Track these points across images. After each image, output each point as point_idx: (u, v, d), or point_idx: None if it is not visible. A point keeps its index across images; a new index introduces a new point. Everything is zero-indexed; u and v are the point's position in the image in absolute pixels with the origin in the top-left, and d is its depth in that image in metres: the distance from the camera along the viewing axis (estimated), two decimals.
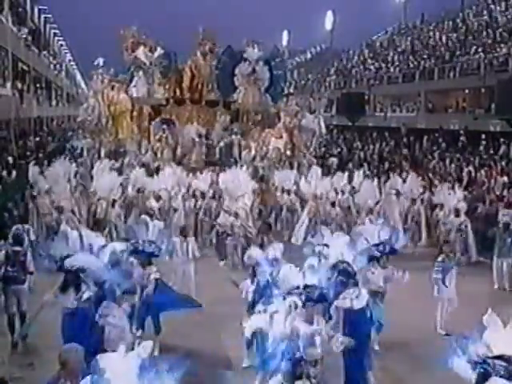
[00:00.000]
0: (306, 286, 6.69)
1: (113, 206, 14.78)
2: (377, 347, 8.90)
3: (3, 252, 9.53)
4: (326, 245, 8.95)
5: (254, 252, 8.98)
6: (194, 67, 23.67)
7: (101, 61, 23.87)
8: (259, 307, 7.31)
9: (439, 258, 10.13)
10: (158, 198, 15.17)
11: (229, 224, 13.90)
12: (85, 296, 7.51)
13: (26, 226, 11.80)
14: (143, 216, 12.55)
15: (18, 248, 9.55)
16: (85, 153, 22.45)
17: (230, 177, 15.53)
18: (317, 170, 18.15)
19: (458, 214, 14.25)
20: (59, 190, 14.98)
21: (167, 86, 23.76)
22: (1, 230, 12.00)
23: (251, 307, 8.15)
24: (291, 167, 19.78)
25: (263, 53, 23.61)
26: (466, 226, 14.27)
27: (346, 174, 17.95)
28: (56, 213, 14.04)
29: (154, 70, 23.28)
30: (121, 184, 15.68)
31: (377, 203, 15.45)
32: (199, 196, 15.87)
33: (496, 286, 12.73)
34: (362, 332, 7.62)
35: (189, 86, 23.54)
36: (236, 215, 13.95)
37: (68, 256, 7.67)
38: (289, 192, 16.64)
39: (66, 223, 12.62)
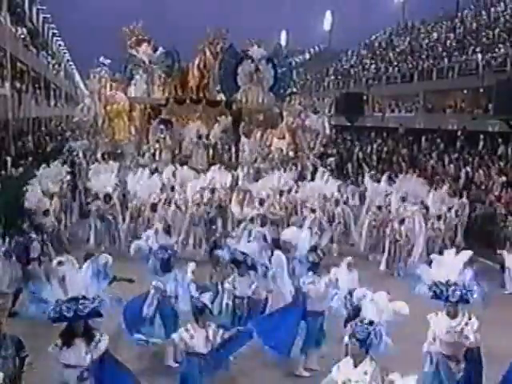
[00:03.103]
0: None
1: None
2: None
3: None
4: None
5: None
6: (203, 67, 23.42)
7: (105, 60, 23.75)
8: None
9: None
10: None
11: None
12: (102, 345, 5.99)
13: None
14: None
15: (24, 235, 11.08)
16: (80, 154, 22.20)
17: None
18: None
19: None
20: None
21: (169, 86, 23.55)
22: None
23: None
24: (295, 168, 19.53)
25: (266, 51, 23.43)
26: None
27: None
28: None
29: (155, 69, 23.08)
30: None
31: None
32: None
33: (507, 291, 12.36)
34: None
35: (197, 85, 23.36)
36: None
37: (72, 299, 5.80)
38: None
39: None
